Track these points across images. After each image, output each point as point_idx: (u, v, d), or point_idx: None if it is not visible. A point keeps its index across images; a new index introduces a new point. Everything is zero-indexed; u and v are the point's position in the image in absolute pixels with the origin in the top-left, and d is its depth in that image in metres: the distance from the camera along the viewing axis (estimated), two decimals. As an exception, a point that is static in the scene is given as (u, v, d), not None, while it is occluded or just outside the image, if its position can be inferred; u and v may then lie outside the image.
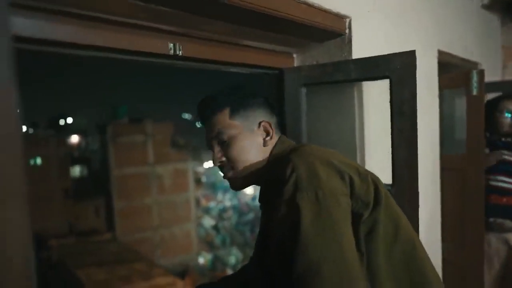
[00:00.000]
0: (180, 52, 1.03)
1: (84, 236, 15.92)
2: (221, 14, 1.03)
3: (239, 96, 0.93)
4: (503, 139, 2.07)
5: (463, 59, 2.31)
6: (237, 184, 0.91)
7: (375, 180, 0.77)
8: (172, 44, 1.01)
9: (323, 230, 0.64)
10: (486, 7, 2.63)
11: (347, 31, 1.41)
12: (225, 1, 0.95)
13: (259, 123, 0.91)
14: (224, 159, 0.88)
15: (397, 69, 1.26)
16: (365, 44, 1.46)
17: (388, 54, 1.25)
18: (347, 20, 1.40)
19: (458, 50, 2.24)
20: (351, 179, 0.73)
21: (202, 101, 0.92)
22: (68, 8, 0.85)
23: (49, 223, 15.85)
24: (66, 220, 17.06)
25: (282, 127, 1.51)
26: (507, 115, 2.04)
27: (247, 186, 0.92)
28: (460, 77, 1.97)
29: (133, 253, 13.56)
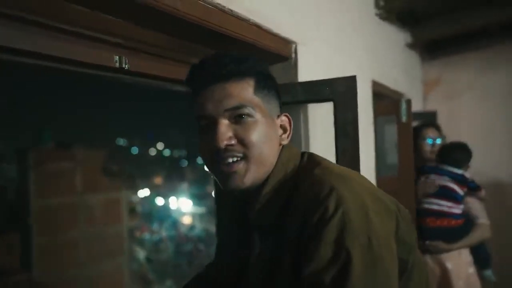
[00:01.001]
0: (126, 65, 0.97)
1: (-9, 278, 13.80)
2: (168, 26, 1.00)
3: (265, 70, 0.74)
4: (428, 164, 2.27)
5: (392, 90, 2.54)
6: (246, 177, 0.67)
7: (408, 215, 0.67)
8: (117, 57, 0.94)
9: (375, 285, 0.53)
10: (410, 45, 2.95)
11: (293, 55, 1.46)
12: (176, 15, 0.92)
13: (278, 115, 0.74)
14: (234, 141, 0.66)
15: (341, 92, 1.32)
16: (309, 69, 1.52)
17: (332, 78, 1.32)
18: (294, 45, 1.46)
19: (389, 81, 2.46)
20: (397, 218, 0.62)
21: (218, 56, 0.69)
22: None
23: None
24: (-30, 261, 14.70)
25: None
26: (429, 141, 2.26)
27: (254, 185, 0.69)
28: (391, 106, 2.15)
29: (53, 295, 12.00)
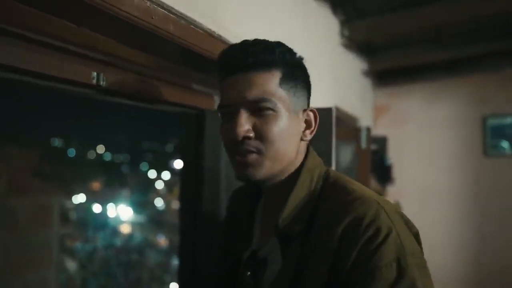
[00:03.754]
0: (103, 82, 0.89)
1: None
2: (156, 48, 0.94)
3: (294, 60, 0.70)
4: None
5: (349, 115, 2.66)
6: (259, 170, 0.65)
7: None
8: (95, 73, 0.86)
9: None
10: (365, 73, 3.13)
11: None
12: (167, 38, 0.87)
13: (304, 110, 0.71)
14: (251, 134, 0.64)
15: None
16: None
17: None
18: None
19: (347, 106, 2.56)
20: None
21: (245, 44, 0.66)
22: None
23: None
24: None
25: (199, 168, 1.44)
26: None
27: (268, 179, 0.68)
28: (352, 132, 2.24)
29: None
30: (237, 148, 0.65)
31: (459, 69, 3.13)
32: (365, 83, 3.29)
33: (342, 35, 2.45)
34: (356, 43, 2.63)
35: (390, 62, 3.07)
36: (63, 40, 0.78)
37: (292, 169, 0.70)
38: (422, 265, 0.56)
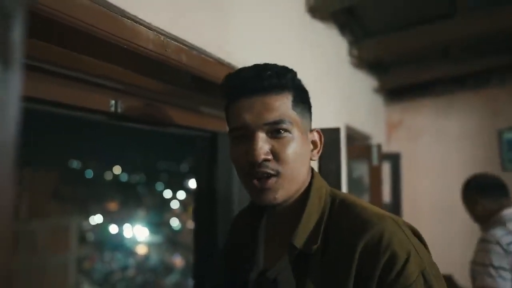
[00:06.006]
0: (120, 109, 0.94)
1: None
2: (170, 77, 1.00)
3: (301, 84, 0.73)
4: None
5: (361, 133, 2.67)
6: (279, 194, 0.66)
7: None
8: (113, 101, 0.91)
9: None
10: (375, 90, 3.15)
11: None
12: (180, 68, 0.92)
13: (310, 131, 0.73)
14: (270, 156, 0.65)
15: (324, 143, 1.37)
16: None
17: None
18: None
19: (358, 124, 2.58)
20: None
21: (258, 68, 0.68)
22: None
23: None
24: None
25: (212, 191, 1.48)
26: None
27: (285, 201, 0.69)
28: (363, 150, 2.25)
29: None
30: (255, 171, 0.65)
31: (469, 82, 3.12)
32: (377, 100, 3.30)
33: (351, 54, 2.50)
34: (366, 62, 2.67)
35: (400, 79, 3.10)
36: (84, 72, 0.85)
37: (302, 189, 0.72)
38: (439, 275, 0.60)
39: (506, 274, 1.42)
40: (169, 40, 0.88)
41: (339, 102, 2.21)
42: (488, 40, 2.49)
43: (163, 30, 0.88)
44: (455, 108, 3.30)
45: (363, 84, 2.88)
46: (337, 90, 2.21)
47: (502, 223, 1.54)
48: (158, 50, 0.85)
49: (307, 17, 1.84)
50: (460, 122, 3.27)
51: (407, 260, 0.57)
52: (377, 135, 3.14)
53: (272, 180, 0.65)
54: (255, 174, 0.65)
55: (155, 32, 0.85)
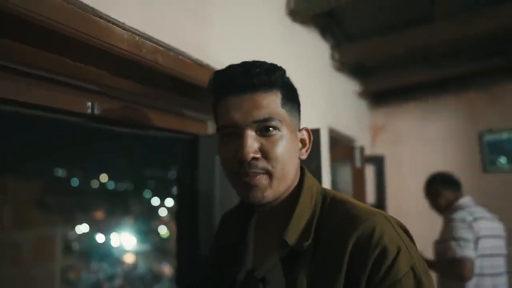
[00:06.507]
0: (97, 111, 0.94)
1: None
2: (145, 77, 0.99)
3: (290, 82, 0.73)
4: None
5: (344, 136, 2.70)
6: (267, 192, 0.65)
7: None
8: (90, 103, 0.91)
9: None
10: (359, 94, 3.19)
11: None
12: (147, 65, 0.92)
13: (299, 129, 0.73)
14: (259, 155, 0.64)
15: (305, 143, 1.38)
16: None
17: (297, 129, 1.37)
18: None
19: (342, 127, 2.61)
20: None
21: (246, 65, 0.67)
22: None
23: None
24: None
25: (194, 193, 1.47)
26: None
27: (274, 200, 0.68)
28: (346, 152, 2.28)
29: None
30: (244, 169, 0.64)
31: (450, 86, 3.19)
32: (361, 104, 3.35)
33: (333, 58, 2.53)
34: (348, 65, 2.71)
35: (383, 83, 3.15)
36: (60, 74, 0.84)
37: (292, 188, 0.71)
38: (427, 271, 0.62)
39: (470, 245, 1.73)
40: (144, 40, 0.88)
41: (323, 105, 2.24)
42: (468, 45, 2.56)
43: (137, 30, 0.88)
44: (438, 112, 3.37)
45: (347, 87, 2.92)
46: (320, 93, 2.23)
47: (462, 208, 1.92)
48: (133, 50, 0.85)
49: (287, 20, 1.86)
50: (443, 125, 3.34)
51: (397, 255, 0.58)
52: (361, 138, 3.18)
53: (261, 177, 0.65)
54: (245, 173, 0.65)
55: (129, 32, 0.85)
